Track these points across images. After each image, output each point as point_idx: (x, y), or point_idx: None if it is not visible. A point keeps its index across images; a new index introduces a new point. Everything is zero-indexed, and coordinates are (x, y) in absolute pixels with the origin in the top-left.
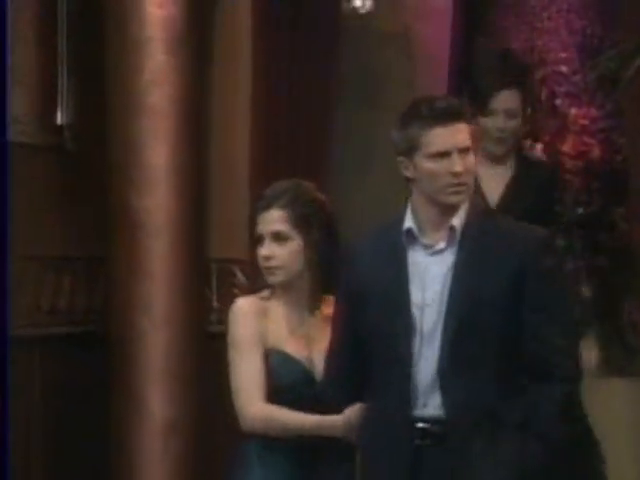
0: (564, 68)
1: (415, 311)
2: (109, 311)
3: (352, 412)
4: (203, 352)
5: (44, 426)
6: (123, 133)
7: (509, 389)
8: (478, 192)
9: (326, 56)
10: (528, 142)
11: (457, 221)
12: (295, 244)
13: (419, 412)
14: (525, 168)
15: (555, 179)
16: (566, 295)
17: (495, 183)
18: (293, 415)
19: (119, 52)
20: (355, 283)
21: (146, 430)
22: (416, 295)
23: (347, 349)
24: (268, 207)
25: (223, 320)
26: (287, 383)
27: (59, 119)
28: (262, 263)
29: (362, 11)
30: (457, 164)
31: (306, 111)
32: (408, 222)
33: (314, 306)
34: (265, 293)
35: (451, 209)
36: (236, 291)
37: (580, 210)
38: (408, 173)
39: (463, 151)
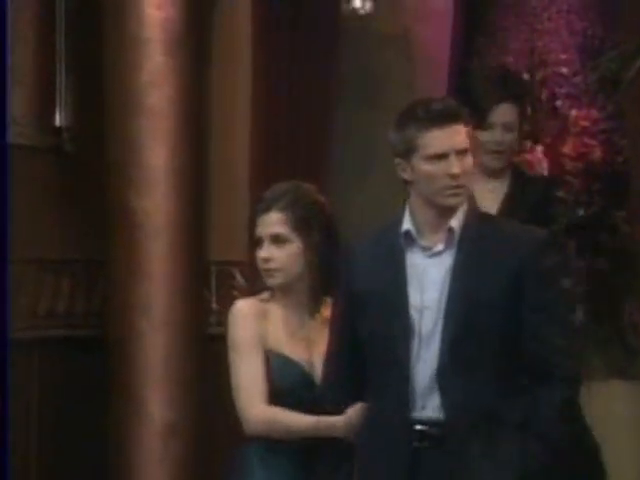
0: (565, 69)
1: (413, 313)
2: (108, 313)
3: (354, 412)
4: (202, 354)
5: (43, 429)
6: (122, 134)
7: (508, 390)
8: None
9: (326, 57)
10: (528, 144)
11: (455, 223)
12: (294, 246)
13: (417, 414)
14: (520, 184)
15: (551, 196)
16: (566, 295)
17: (490, 199)
18: (295, 416)
19: (118, 53)
20: (353, 285)
21: (145, 432)
22: (414, 297)
23: (346, 351)
24: (267, 209)
25: (222, 322)
26: (287, 386)
27: (57, 120)
28: (261, 265)
29: (362, 12)
30: (454, 166)
31: (306, 112)
32: (406, 224)
33: (314, 309)
34: (265, 295)
35: (449, 211)
36: (235, 293)
37: (581, 211)
38: (406, 175)
39: (461, 153)
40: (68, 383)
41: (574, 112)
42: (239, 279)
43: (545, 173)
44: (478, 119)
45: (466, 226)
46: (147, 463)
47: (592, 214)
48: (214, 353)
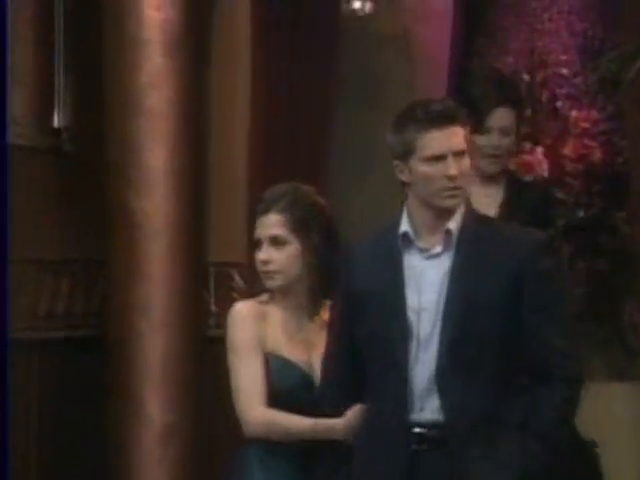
0: (565, 70)
1: (411, 315)
2: (107, 313)
3: (353, 414)
4: (201, 356)
5: (43, 429)
6: (121, 135)
7: (508, 391)
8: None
9: (325, 57)
10: (528, 145)
11: (453, 225)
12: (293, 248)
13: (415, 416)
14: (516, 190)
15: (549, 200)
16: (565, 296)
17: (487, 204)
18: (294, 419)
19: (117, 54)
20: (351, 287)
21: (144, 433)
22: (412, 299)
23: (344, 353)
24: (266, 211)
25: (221, 324)
26: (286, 388)
27: (56, 121)
28: (260, 267)
29: (361, 13)
30: (452, 167)
31: (305, 112)
32: (404, 226)
33: (313, 311)
34: (264, 297)
35: (447, 213)
36: (234, 295)
37: (581, 212)
38: (403, 177)
39: (458, 154)
40: (67, 384)
41: (574, 113)
42: (238, 281)
43: (545, 174)
44: (475, 123)
45: (464, 228)
46: (146, 464)
47: (592, 215)
48: (213, 355)
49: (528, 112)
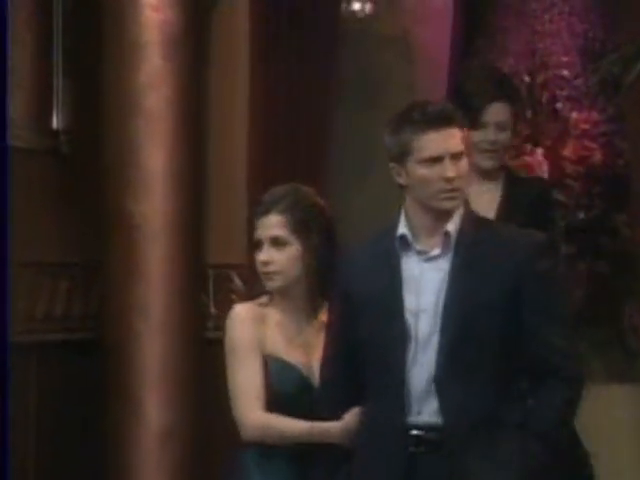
0: (565, 72)
1: (409, 317)
2: (105, 316)
3: (350, 418)
4: (200, 358)
5: (41, 431)
6: (119, 136)
7: (508, 392)
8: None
9: (325, 57)
10: (528, 146)
11: (452, 227)
12: (294, 249)
13: (413, 419)
14: (515, 186)
15: (546, 195)
16: (565, 297)
17: (486, 201)
18: (291, 422)
19: (115, 55)
20: (349, 289)
21: (143, 434)
22: (410, 301)
23: (341, 355)
24: (267, 212)
25: (220, 326)
26: (285, 390)
27: (55, 123)
28: (260, 268)
29: (361, 14)
30: (449, 169)
31: (305, 113)
32: (402, 228)
33: (312, 313)
34: (263, 299)
35: (445, 215)
36: (233, 297)
37: (581, 214)
38: (401, 179)
39: (455, 156)
40: (66, 386)
41: (575, 115)
42: (237, 282)
43: (545, 176)
44: (471, 118)
45: (462, 230)
46: (145, 465)
47: (593, 217)
48: (212, 357)
49: (528, 113)
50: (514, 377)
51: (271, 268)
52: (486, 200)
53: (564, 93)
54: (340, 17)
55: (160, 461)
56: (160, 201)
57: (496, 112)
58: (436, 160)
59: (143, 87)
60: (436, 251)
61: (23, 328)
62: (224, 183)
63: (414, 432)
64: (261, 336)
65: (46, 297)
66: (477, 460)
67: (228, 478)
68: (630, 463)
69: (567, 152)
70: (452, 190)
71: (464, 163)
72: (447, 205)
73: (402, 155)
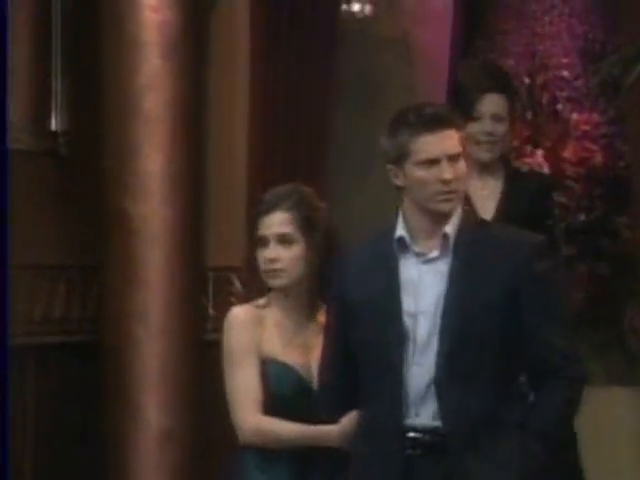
0: (566, 73)
1: (407, 319)
2: (104, 319)
3: (348, 421)
4: (199, 360)
5: (39, 434)
6: (118, 138)
7: (508, 393)
8: (469, 206)
9: (325, 58)
10: (529, 148)
11: (450, 229)
12: (300, 247)
13: (411, 421)
14: (515, 180)
15: (546, 189)
16: (565, 297)
17: (486, 196)
18: (288, 426)
19: (114, 56)
20: (347, 291)
21: (141, 438)
22: (408, 304)
23: (340, 357)
24: (272, 210)
25: (219, 328)
26: (284, 392)
27: (53, 125)
28: (266, 266)
29: (361, 16)
30: (446, 171)
31: (305, 113)
32: (399, 231)
33: (311, 314)
34: (261, 301)
35: (443, 217)
36: (233, 299)
37: (582, 216)
38: (398, 181)
39: (453, 158)
40: (64, 388)
41: (575, 116)
42: (237, 285)
43: None
44: (467, 111)
45: (461, 232)
46: (143, 469)
47: (593, 219)
48: (211, 359)
49: (529, 115)
50: (514, 377)
51: (278, 265)
52: (487, 195)
53: (564, 94)
54: (340, 18)
55: (159, 464)
56: (159, 203)
57: (491, 103)
58: (433, 162)
59: (142, 88)
60: (434, 253)
61: (21, 330)
62: (224, 184)
63: (411, 434)
64: (259, 338)
65: (44, 299)
66: (477, 460)
67: None
68: (630, 465)
69: (567, 154)
70: (449, 192)
71: (462, 165)
72: (444, 207)
73: (399, 157)
